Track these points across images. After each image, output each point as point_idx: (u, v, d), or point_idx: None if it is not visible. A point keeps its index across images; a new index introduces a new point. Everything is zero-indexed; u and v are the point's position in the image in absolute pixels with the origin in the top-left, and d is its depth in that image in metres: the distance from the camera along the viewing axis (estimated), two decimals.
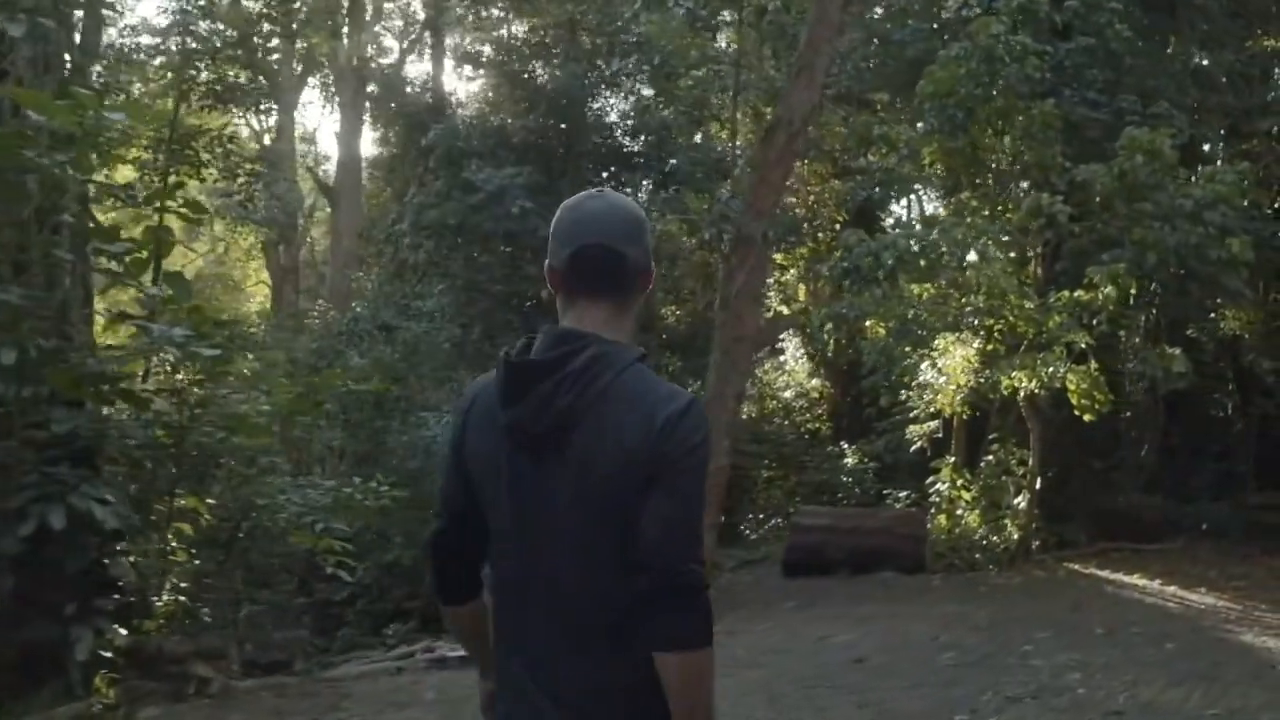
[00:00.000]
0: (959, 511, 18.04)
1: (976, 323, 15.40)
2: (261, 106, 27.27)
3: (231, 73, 18.42)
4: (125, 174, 15.54)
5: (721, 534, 18.99)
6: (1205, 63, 16.27)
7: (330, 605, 16.28)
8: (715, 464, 12.75)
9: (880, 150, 15.43)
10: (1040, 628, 10.88)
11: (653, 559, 2.26)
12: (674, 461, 2.28)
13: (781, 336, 25.52)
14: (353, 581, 11.18)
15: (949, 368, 16.24)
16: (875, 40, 19.64)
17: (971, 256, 13.94)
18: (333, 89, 29.87)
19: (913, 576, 15.08)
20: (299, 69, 30.97)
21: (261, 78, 31.24)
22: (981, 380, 15.58)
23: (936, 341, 16.50)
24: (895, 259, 13.67)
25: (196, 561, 9.35)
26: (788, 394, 25.71)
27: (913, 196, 19.34)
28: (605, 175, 18.44)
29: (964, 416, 18.12)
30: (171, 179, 17.41)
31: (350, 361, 15.10)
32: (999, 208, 15.83)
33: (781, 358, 26.01)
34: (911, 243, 13.87)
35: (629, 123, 20.92)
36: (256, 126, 33.58)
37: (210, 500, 9.22)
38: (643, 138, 21.28)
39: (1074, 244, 15.19)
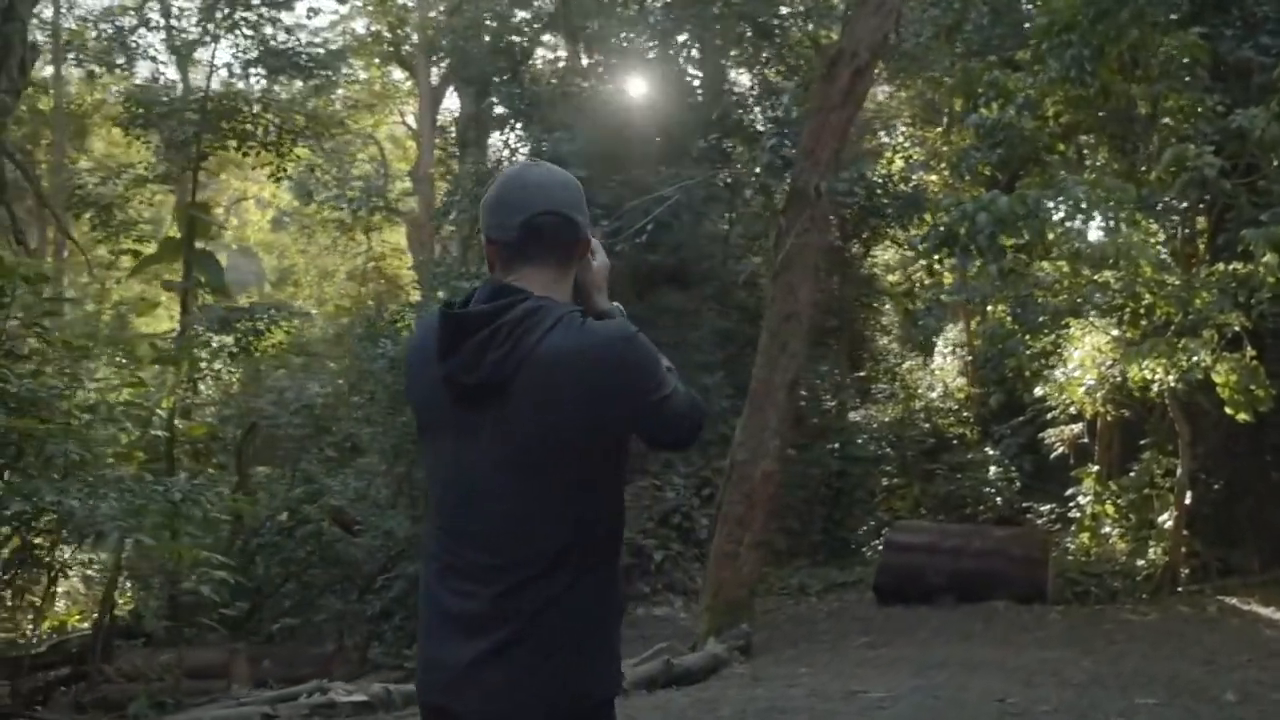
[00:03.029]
0: (1105, 529, 15.40)
1: (1111, 304, 12.81)
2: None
3: (276, 38, 17.03)
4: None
5: (815, 550, 16.80)
6: None
7: (369, 619, 14.75)
8: (762, 467, 10.61)
9: (997, 103, 12.93)
10: (1151, 688, 8.43)
11: (679, 446, 2.58)
12: (644, 397, 2.38)
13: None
14: (222, 602, 9.46)
15: (1081, 359, 13.67)
16: None
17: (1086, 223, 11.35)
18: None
19: (1029, 607, 12.60)
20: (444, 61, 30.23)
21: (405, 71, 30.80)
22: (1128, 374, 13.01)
23: (1071, 328, 13.97)
24: (994, 222, 11.19)
25: None
26: (933, 394, 23.14)
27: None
28: (703, 144, 16.21)
29: (1109, 417, 15.45)
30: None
31: (376, 348, 13.47)
32: (1142, 167, 13.18)
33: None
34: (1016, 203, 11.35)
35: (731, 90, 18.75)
36: (412, 123, 33.05)
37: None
38: (760, 108, 19.10)
39: (1239, 209, 12.47)
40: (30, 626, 15.23)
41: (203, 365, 13.79)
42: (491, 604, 2.34)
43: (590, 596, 2.39)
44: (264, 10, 17.42)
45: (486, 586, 2.36)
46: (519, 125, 17.77)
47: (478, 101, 19.16)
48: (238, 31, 17.29)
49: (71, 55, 21.47)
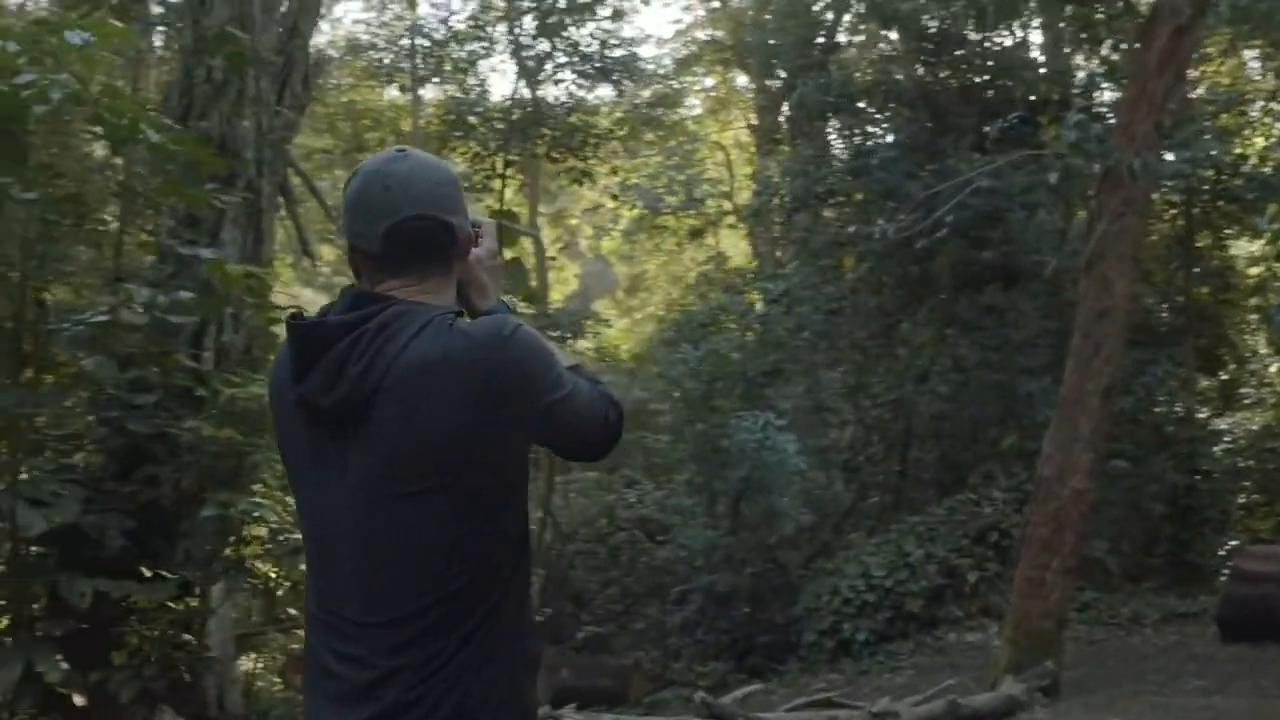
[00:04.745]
0: None
1: None
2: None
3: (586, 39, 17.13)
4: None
5: (1157, 575, 15.14)
6: None
7: (668, 633, 14.47)
8: (1072, 485, 9.53)
9: None
10: None
11: (593, 453, 2.19)
12: (531, 401, 2.01)
13: None
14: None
15: None
16: None
17: None
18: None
19: None
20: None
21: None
22: None
23: None
24: None
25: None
26: None
27: None
28: (1003, 124, 14.83)
29: None
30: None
31: (676, 353, 13.15)
32: None
33: None
34: None
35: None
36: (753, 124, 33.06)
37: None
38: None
39: None
40: None
41: None
42: (375, 667, 1.98)
43: (491, 647, 2.01)
44: (581, 18, 17.59)
45: (367, 646, 2.00)
46: (830, 119, 17.09)
47: (787, 97, 18.63)
48: (557, 39, 17.53)
49: (429, 77, 22.34)
